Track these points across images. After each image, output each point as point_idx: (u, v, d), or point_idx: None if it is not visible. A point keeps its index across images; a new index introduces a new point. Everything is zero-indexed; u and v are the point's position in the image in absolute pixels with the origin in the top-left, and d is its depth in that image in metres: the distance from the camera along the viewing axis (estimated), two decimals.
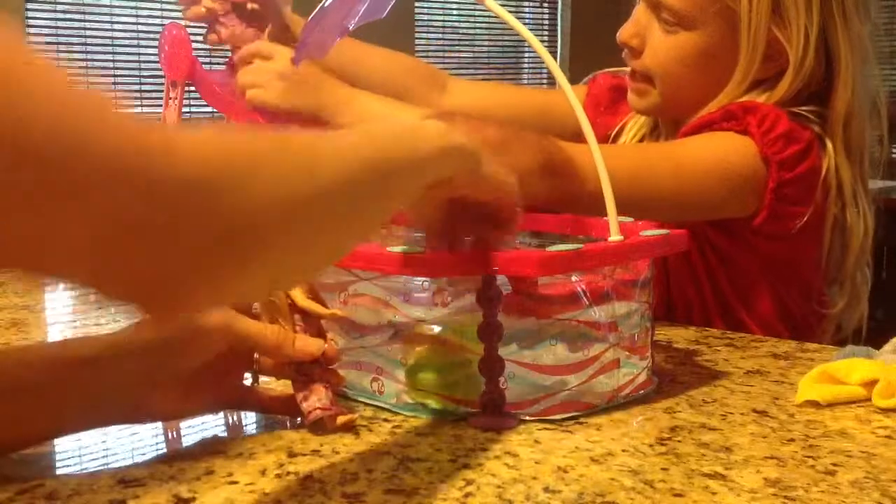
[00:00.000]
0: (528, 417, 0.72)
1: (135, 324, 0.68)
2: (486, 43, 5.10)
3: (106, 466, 0.66)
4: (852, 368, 0.77)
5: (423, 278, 0.73)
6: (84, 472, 0.65)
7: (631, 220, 0.83)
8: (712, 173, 0.97)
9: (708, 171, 0.97)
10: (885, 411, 0.74)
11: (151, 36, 3.65)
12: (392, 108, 0.99)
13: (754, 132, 0.96)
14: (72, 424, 0.67)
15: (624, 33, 1.07)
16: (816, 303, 1.06)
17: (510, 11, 0.82)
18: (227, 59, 1.06)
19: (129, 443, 0.70)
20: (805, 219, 0.98)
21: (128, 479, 0.61)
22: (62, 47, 3.54)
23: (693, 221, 1.03)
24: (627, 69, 1.11)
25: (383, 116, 0.97)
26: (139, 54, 3.66)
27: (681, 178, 0.96)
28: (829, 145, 1.00)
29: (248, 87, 1.00)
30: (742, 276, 1.05)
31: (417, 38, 4.70)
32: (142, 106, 3.68)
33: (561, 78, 0.79)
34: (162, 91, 1.04)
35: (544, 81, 5.37)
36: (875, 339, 0.86)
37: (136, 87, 3.69)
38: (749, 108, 0.98)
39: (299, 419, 0.71)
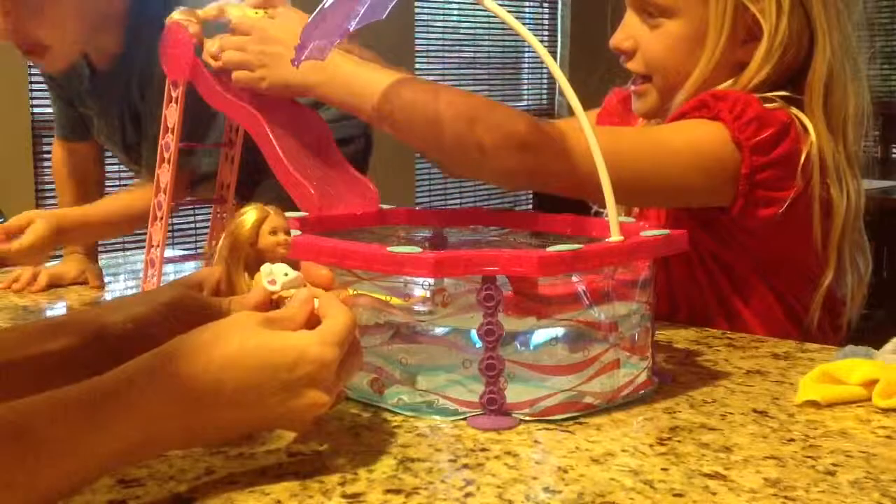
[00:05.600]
0: (528, 417, 0.72)
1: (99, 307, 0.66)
2: (486, 43, 5.10)
3: None
4: (852, 368, 0.77)
5: (423, 278, 0.73)
6: None
7: (632, 220, 0.83)
8: (684, 155, 0.98)
9: (679, 152, 0.98)
10: (885, 411, 0.74)
11: None
12: (365, 70, 0.96)
13: (725, 117, 0.97)
14: None
15: (615, 39, 1.10)
16: (814, 289, 1.05)
17: (510, 12, 0.82)
18: None
19: None
20: (786, 205, 0.98)
21: (128, 479, 0.61)
22: None
23: (685, 226, 1.03)
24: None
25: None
26: None
27: (655, 159, 0.97)
28: (810, 126, 1.00)
29: (233, 62, 0.98)
30: (741, 279, 1.05)
31: (417, 38, 4.70)
32: None
33: (560, 77, 0.79)
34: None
35: (544, 81, 5.37)
36: (875, 339, 0.86)
37: None
38: (719, 96, 1.00)
39: None
